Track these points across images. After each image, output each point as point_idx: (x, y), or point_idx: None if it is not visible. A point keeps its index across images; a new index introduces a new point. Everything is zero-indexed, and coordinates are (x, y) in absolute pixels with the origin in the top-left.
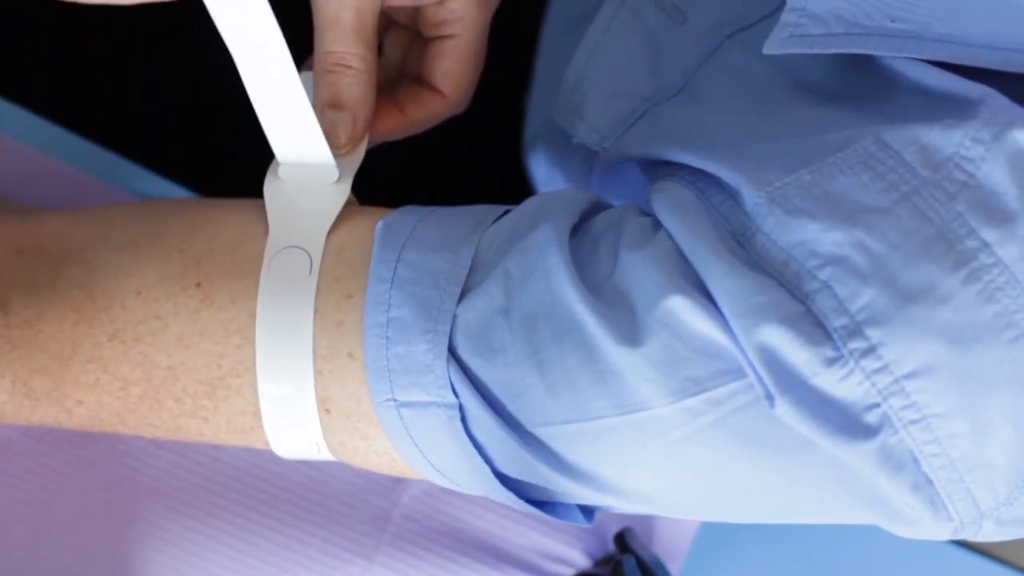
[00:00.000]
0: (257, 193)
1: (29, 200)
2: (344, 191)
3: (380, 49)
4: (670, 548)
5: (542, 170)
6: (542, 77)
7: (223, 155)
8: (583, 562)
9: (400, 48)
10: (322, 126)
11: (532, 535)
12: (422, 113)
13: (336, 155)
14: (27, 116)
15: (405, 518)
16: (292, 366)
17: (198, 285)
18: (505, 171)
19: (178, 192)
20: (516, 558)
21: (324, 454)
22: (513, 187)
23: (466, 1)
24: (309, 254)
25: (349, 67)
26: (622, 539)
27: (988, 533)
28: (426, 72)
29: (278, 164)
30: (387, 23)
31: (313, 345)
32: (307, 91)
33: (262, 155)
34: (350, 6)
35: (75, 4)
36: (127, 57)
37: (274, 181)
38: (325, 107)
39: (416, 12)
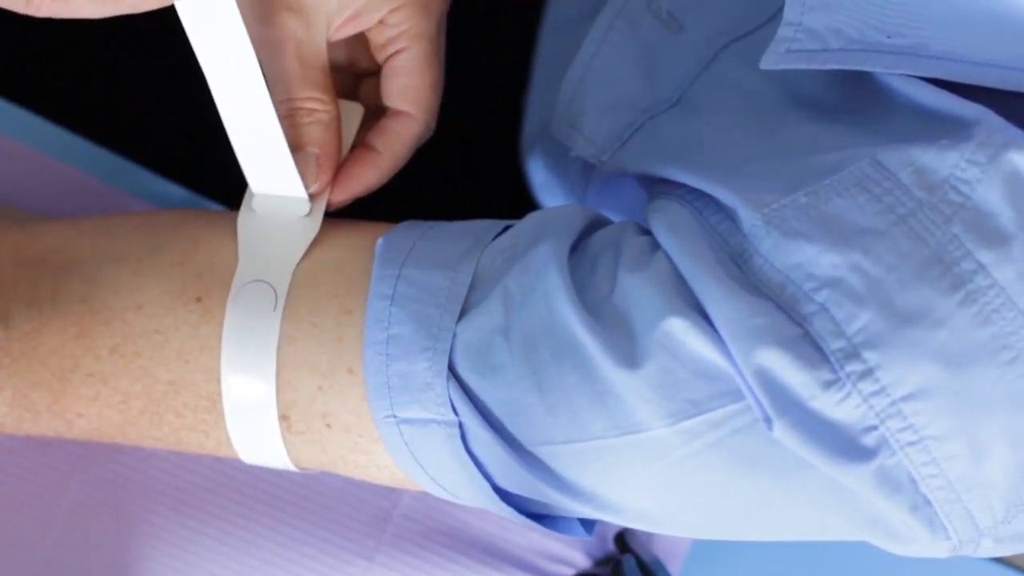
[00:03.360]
0: None
1: (29, 201)
2: (315, 224)
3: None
4: (670, 548)
5: (539, 175)
6: (539, 79)
7: (223, 156)
8: (583, 562)
9: (373, 97)
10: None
11: (532, 535)
12: (394, 142)
13: (308, 194)
14: (27, 116)
15: (405, 518)
16: (255, 397)
17: (198, 300)
18: (504, 172)
19: (178, 193)
20: (516, 558)
21: (289, 467)
22: (512, 189)
23: (406, 13)
24: (275, 289)
25: (302, 109)
26: (622, 539)
27: (986, 550)
28: (386, 96)
29: (252, 196)
30: (354, 80)
31: (312, 362)
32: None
33: None
34: (292, 56)
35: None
36: (127, 57)
37: (248, 213)
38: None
39: (367, 46)
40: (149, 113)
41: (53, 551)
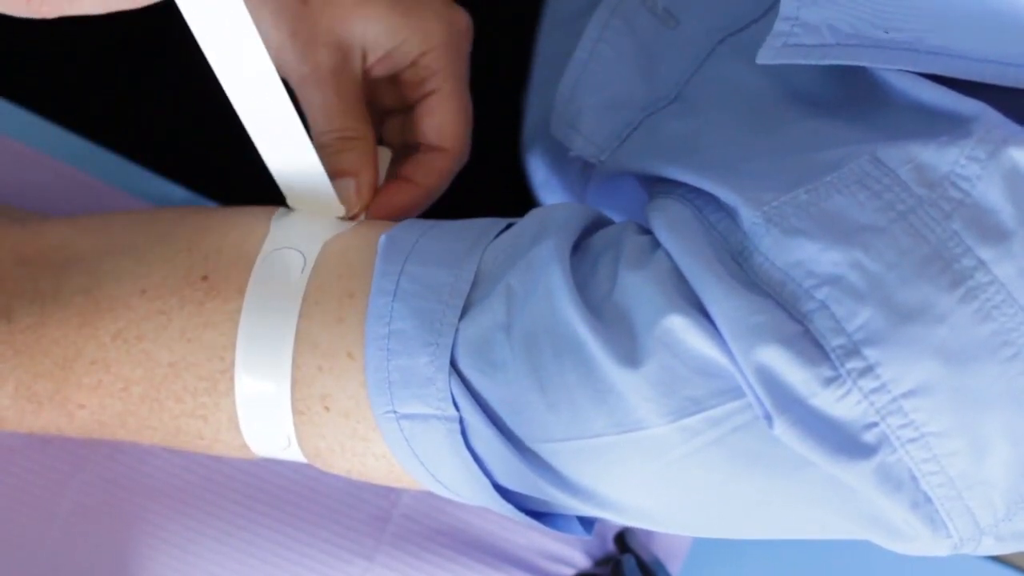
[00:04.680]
0: (256, 195)
1: (29, 201)
2: (347, 225)
3: (380, 141)
4: (670, 548)
5: (540, 174)
6: (538, 77)
7: (224, 156)
8: (583, 562)
9: (398, 134)
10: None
11: (532, 535)
12: (431, 176)
13: (347, 218)
14: (27, 116)
15: (405, 518)
16: (271, 360)
17: (204, 278)
18: (504, 171)
19: (178, 193)
20: (516, 558)
21: (293, 450)
22: (512, 188)
23: (438, 54)
24: (304, 256)
25: (342, 139)
26: (622, 539)
27: (987, 548)
28: (421, 134)
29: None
30: (380, 115)
31: (313, 340)
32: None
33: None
34: (331, 89)
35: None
36: (128, 57)
37: (283, 210)
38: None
39: (398, 85)
40: (149, 113)
41: (53, 551)
